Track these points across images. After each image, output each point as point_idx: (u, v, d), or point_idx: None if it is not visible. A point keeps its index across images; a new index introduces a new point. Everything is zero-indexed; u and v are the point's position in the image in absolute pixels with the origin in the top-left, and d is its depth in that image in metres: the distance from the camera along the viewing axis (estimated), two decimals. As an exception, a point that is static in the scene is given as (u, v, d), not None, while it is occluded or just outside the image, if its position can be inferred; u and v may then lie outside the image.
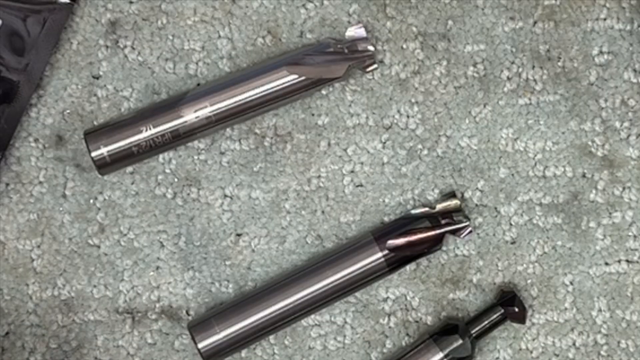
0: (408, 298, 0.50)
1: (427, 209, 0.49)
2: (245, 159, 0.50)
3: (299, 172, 0.50)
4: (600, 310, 0.50)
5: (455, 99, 0.50)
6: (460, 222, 0.49)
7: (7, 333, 0.50)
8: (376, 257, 0.48)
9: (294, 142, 0.50)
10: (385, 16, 0.50)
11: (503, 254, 0.50)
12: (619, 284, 0.50)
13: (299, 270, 0.49)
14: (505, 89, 0.50)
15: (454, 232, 0.49)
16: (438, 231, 0.49)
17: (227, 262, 0.50)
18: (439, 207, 0.49)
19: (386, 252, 0.48)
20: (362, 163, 0.50)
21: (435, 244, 0.49)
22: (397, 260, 0.49)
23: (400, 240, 0.48)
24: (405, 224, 0.49)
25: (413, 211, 0.49)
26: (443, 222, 0.49)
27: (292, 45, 0.50)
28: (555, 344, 0.50)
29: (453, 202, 0.49)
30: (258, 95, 0.49)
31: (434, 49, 0.50)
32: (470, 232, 0.49)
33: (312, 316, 0.50)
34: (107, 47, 0.50)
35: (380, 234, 0.49)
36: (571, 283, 0.50)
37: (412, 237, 0.48)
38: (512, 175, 0.50)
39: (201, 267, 0.50)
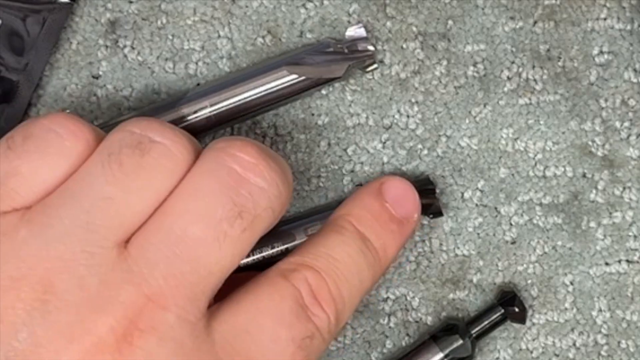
0: (408, 298, 0.50)
1: None
2: (245, 159, 0.50)
3: (299, 172, 0.50)
4: (600, 310, 0.50)
5: (455, 98, 0.50)
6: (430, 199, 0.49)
7: None
8: None
9: (294, 142, 0.50)
10: (385, 16, 0.50)
11: (503, 254, 0.50)
12: (619, 284, 0.50)
13: None
14: (506, 89, 0.50)
15: (424, 209, 0.48)
16: None
17: (227, 262, 0.50)
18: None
19: None
20: (362, 163, 0.50)
21: None
22: None
23: None
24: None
25: None
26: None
27: (292, 45, 0.50)
28: (555, 344, 0.50)
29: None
30: (258, 95, 0.49)
31: (434, 49, 0.50)
32: (441, 214, 0.49)
33: (312, 316, 0.50)
34: (106, 47, 0.50)
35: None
36: (571, 283, 0.50)
37: None
38: (512, 175, 0.50)
39: (201, 267, 0.50)
